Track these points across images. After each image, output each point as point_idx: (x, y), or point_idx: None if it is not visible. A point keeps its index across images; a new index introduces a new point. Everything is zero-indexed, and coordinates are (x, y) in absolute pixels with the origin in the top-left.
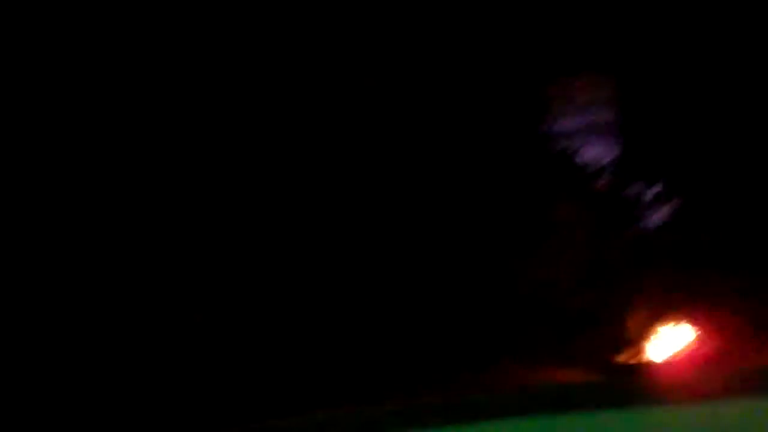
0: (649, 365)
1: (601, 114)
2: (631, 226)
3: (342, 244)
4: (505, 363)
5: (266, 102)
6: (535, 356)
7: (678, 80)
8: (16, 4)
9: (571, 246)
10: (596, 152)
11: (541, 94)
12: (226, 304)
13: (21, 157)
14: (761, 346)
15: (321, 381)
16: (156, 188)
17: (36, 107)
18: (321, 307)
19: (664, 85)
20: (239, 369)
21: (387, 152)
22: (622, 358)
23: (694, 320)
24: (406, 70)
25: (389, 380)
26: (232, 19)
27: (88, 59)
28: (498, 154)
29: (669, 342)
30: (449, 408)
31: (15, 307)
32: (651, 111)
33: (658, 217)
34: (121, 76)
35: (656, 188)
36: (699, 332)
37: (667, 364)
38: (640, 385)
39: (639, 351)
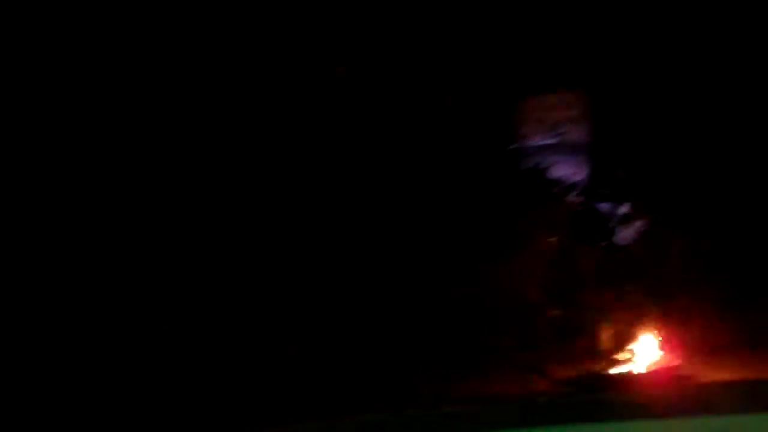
0: (621, 379)
1: (573, 131)
2: (603, 241)
3: (315, 256)
4: (476, 375)
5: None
6: (506, 369)
7: (648, 98)
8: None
9: (544, 260)
10: (568, 168)
11: (512, 111)
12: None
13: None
14: (733, 361)
15: (290, 394)
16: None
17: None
18: (290, 323)
19: (634, 103)
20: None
21: (361, 163)
22: (593, 371)
23: (664, 335)
24: (383, 86)
25: (361, 391)
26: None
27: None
28: (470, 170)
29: (640, 356)
30: (418, 421)
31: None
32: (622, 128)
33: (629, 232)
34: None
35: (627, 204)
36: (670, 347)
37: (638, 378)
38: (611, 400)
39: (610, 365)
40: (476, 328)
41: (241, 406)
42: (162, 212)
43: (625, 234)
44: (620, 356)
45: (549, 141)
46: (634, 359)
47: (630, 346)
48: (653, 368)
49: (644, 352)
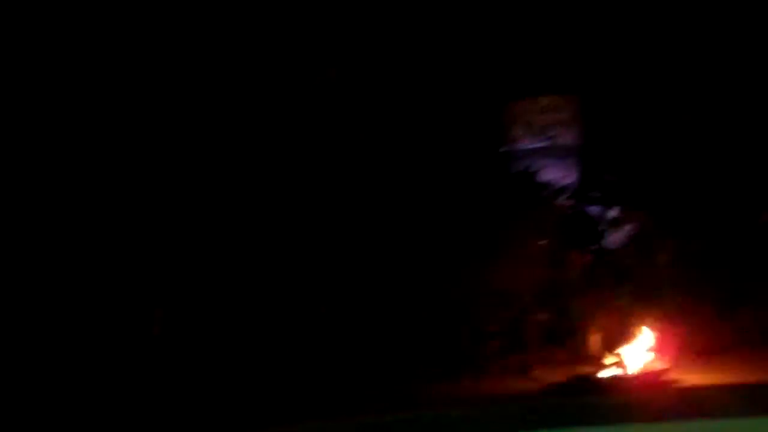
0: (610, 382)
1: (563, 135)
2: (593, 245)
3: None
4: (465, 378)
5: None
6: (495, 372)
7: (638, 102)
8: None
9: (533, 263)
10: (558, 172)
11: (503, 115)
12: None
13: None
14: (721, 364)
15: (288, 396)
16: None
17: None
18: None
19: (623, 108)
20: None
21: (353, 168)
22: (582, 375)
23: (653, 338)
24: (374, 89)
25: (354, 393)
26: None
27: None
28: (460, 173)
29: (628, 359)
30: (407, 424)
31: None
32: (612, 132)
33: (618, 235)
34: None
35: (617, 207)
36: (658, 350)
37: (627, 382)
38: (600, 403)
39: (599, 368)
40: (466, 331)
41: (243, 406)
42: (167, 216)
43: (615, 237)
44: (609, 359)
45: (539, 144)
46: (622, 362)
47: (618, 350)
48: (642, 371)
49: (633, 356)
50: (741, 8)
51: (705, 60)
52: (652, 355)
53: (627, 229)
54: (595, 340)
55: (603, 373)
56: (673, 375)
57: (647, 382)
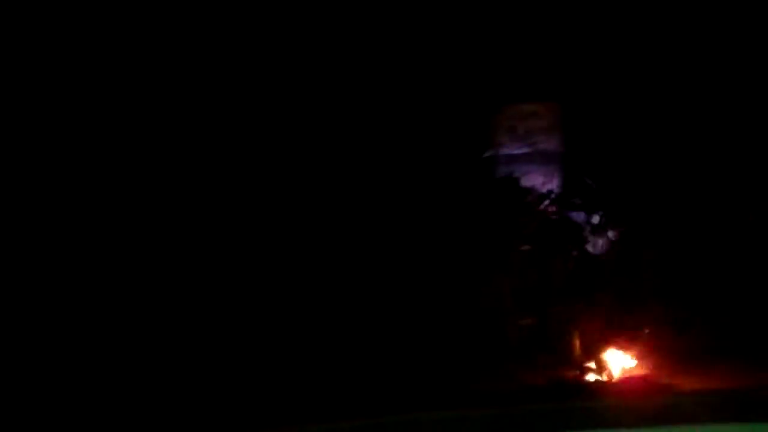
0: (593, 387)
1: (546, 141)
2: (575, 251)
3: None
4: (448, 382)
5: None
6: (477, 376)
7: (619, 112)
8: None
9: (516, 269)
10: (540, 177)
11: (486, 121)
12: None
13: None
14: (703, 369)
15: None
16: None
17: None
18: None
19: (605, 114)
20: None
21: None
22: (564, 379)
23: (635, 343)
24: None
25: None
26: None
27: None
28: (442, 178)
29: (611, 364)
30: (403, 426)
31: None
32: (594, 139)
33: (600, 241)
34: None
35: (599, 213)
36: (640, 355)
37: (610, 386)
38: (583, 408)
39: (582, 373)
40: (448, 336)
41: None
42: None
43: (597, 243)
44: (591, 364)
45: (522, 150)
46: (604, 367)
47: (601, 354)
48: (624, 376)
49: (615, 360)
50: (719, 21)
51: (687, 66)
52: (634, 360)
53: (609, 235)
54: (577, 344)
55: (585, 378)
56: (655, 380)
57: (629, 386)
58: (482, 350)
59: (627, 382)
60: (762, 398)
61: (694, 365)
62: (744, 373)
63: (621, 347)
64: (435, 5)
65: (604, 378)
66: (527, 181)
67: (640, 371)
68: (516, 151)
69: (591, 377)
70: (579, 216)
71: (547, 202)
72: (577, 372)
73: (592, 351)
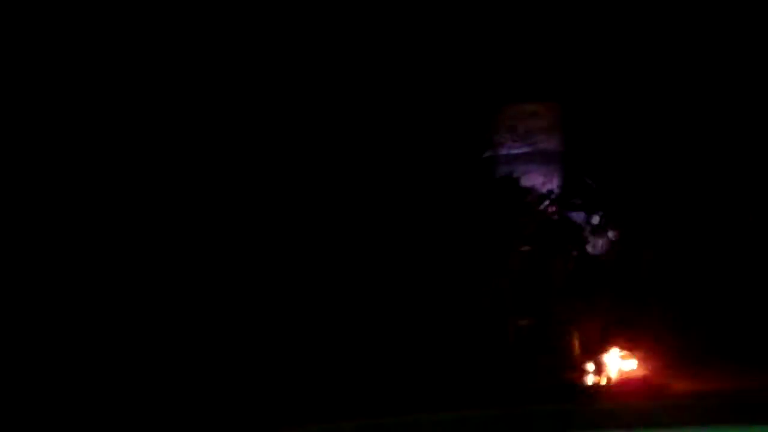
0: (592, 389)
1: (546, 140)
2: (575, 251)
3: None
4: (447, 384)
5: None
6: (476, 378)
7: (620, 112)
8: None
9: (515, 269)
10: (540, 177)
11: (486, 120)
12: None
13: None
14: (703, 371)
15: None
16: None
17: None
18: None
19: (605, 114)
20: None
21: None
22: (563, 381)
23: (635, 344)
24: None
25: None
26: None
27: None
28: (442, 178)
29: (610, 366)
30: (405, 427)
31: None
32: (594, 138)
33: (600, 242)
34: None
35: (599, 214)
36: (640, 356)
37: (610, 388)
38: (582, 410)
39: (581, 374)
40: (448, 336)
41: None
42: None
43: (597, 244)
44: (591, 365)
45: (522, 150)
46: (604, 368)
47: (601, 356)
48: (623, 377)
49: (615, 362)
50: (720, 23)
51: (687, 67)
52: (633, 362)
53: (609, 235)
54: (577, 345)
55: (585, 379)
56: (655, 381)
57: (629, 388)
58: (482, 351)
59: (626, 383)
60: (762, 400)
61: (693, 367)
62: (744, 374)
63: (621, 348)
64: (437, 6)
65: (604, 379)
66: (527, 181)
67: (640, 372)
68: (516, 151)
69: (590, 378)
70: (579, 216)
71: (547, 202)
72: (577, 373)
73: (592, 352)
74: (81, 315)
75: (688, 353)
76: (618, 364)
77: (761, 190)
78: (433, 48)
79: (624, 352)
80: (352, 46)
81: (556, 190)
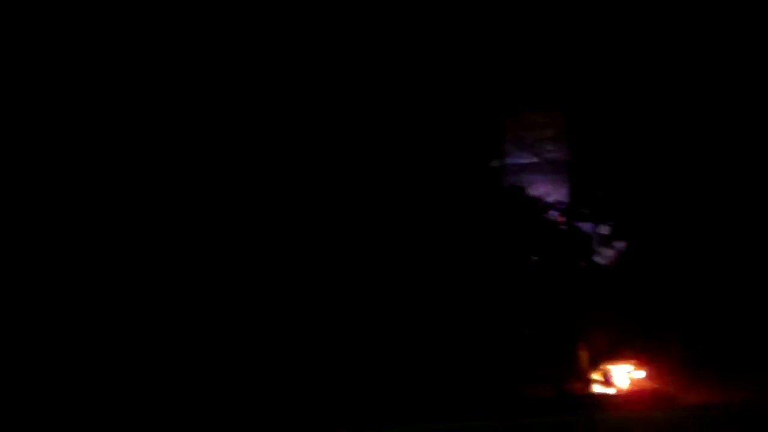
0: (599, 399)
1: (553, 150)
2: (583, 261)
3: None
4: (453, 394)
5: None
6: (483, 387)
7: (627, 121)
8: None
9: (523, 279)
10: (548, 187)
11: (494, 130)
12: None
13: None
14: (710, 385)
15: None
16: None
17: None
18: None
19: (613, 123)
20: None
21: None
22: (571, 391)
23: (643, 355)
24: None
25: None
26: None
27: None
28: (450, 187)
29: (618, 376)
30: None
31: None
32: (602, 148)
33: (609, 252)
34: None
35: (608, 224)
36: (648, 367)
37: (617, 399)
38: (589, 421)
39: (588, 385)
40: (451, 346)
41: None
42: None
43: (605, 254)
44: (598, 376)
45: (529, 159)
46: (611, 379)
47: (608, 366)
48: (631, 389)
49: (622, 373)
50: (722, 28)
51: (693, 74)
52: (642, 372)
53: (617, 245)
54: (584, 356)
55: (592, 390)
56: (663, 392)
57: (637, 399)
58: (487, 361)
59: (634, 394)
60: None
61: (703, 378)
62: (755, 386)
63: (629, 359)
64: (444, 16)
65: (611, 390)
66: (534, 191)
67: (648, 383)
68: (523, 161)
69: (598, 389)
70: (587, 226)
71: (554, 212)
72: (584, 384)
73: (599, 362)
74: (81, 315)
75: (701, 364)
76: (626, 374)
77: None
78: (439, 59)
79: (633, 363)
80: (360, 57)
81: (564, 200)
